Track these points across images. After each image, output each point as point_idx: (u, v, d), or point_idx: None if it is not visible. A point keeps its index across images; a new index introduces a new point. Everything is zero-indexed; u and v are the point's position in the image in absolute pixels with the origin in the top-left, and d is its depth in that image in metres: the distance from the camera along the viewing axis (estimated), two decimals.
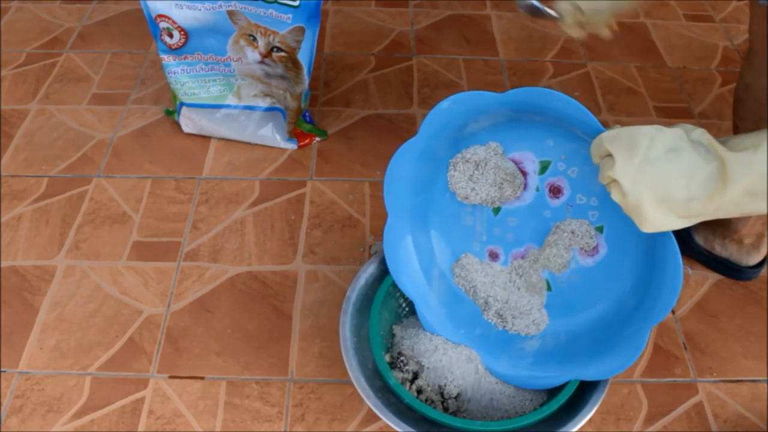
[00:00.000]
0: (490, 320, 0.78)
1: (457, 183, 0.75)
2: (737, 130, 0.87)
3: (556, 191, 0.72)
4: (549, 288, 0.76)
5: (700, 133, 0.54)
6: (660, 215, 0.55)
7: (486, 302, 0.78)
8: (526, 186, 0.74)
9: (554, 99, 0.63)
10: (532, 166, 0.72)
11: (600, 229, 0.71)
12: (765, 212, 0.52)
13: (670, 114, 1.25)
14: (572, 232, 0.72)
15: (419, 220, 0.79)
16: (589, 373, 0.70)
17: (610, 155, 0.57)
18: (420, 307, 0.79)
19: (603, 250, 0.72)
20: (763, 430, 0.82)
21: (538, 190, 0.73)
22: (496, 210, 0.76)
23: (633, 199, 0.55)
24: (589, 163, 0.66)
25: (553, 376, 0.73)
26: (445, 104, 0.69)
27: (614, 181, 0.57)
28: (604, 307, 0.72)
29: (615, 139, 0.56)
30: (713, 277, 0.98)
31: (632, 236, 0.69)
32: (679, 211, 0.54)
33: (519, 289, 0.77)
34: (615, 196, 0.57)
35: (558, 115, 0.65)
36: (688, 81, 1.33)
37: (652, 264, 0.66)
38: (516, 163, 0.73)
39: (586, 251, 0.73)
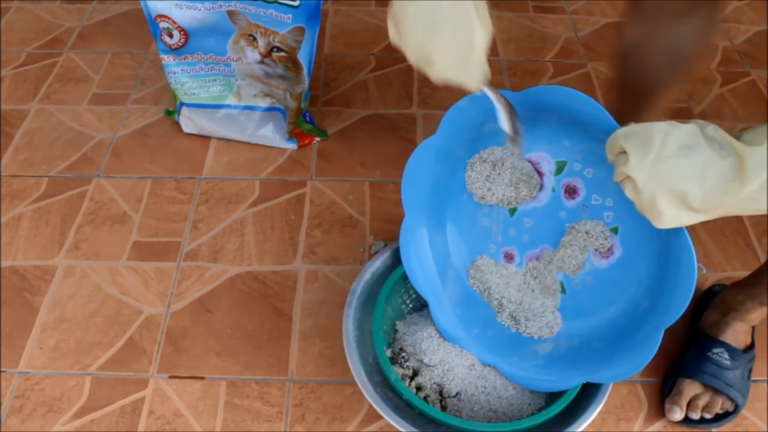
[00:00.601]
0: (503, 322, 0.78)
1: (474, 183, 0.75)
2: (622, 83, 0.85)
3: (571, 192, 0.72)
4: (563, 290, 0.76)
5: (714, 129, 0.54)
6: (674, 210, 0.55)
7: (500, 304, 0.78)
8: (542, 186, 0.74)
9: (566, 95, 0.63)
10: (548, 166, 0.72)
11: (615, 230, 0.71)
12: None
13: (670, 114, 1.25)
14: (587, 233, 0.72)
15: (435, 219, 0.79)
16: (600, 376, 0.70)
17: (624, 152, 0.57)
18: (433, 308, 0.79)
19: (618, 252, 0.71)
20: (762, 430, 0.82)
21: (554, 190, 0.73)
22: (512, 211, 0.76)
23: (647, 195, 0.55)
24: (604, 163, 0.66)
25: (564, 379, 0.72)
26: (462, 103, 0.69)
27: (628, 177, 0.57)
28: (618, 309, 0.72)
29: (630, 136, 0.57)
30: (713, 277, 0.98)
31: (647, 237, 0.68)
32: (693, 206, 0.54)
33: (533, 291, 0.77)
34: (629, 193, 0.57)
35: (572, 113, 0.65)
36: (688, 81, 1.33)
37: (666, 264, 0.66)
38: (532, 163, 0.73)
39: (600, 252, 0.72)
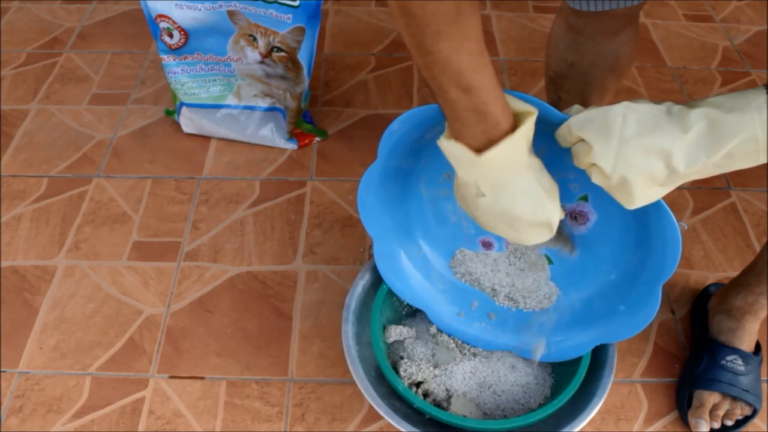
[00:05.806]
0: (502, 304, 0.79)
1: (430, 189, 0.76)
2: (560, 102, 0.89)
3: None
4: (550, 261, 0.77)
5: (669, 105, 0.53)
6: (644, 190, 0.54)
7: (493, 290, 0.79)
8: None
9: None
10: None
11: (585, 198, 0.72)
12: (748, 166, 0.52)
13: None
14: None
15: (405, 234, 0.79)
16: (610, 334, 0.72)
17: (582, 140, 0.56)
18: (432, 316, 0.80)
19: (593, 217, 0.72)
20: (763, 430, 0.82)
21: None
22: None
23: (616, 179, 0.54)
24: (555, 140, 0.65)
25: (578, 340, 0.74)
26: (395, 126, 0.68)
27: (593, 164, 0.56)
28: (608, 268, 0.73)
29: (585, 124, 0.55)
30: (713, 276, 0.98)
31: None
32: (661, 182, 0.54)
33: (522, 270, 0.78)
34: (596, 179, 0.56)
35: None
36: (688, 81, 1.33)
37: (645, 220, 0.66)
38: None
39: (577, 220, 0.73)
